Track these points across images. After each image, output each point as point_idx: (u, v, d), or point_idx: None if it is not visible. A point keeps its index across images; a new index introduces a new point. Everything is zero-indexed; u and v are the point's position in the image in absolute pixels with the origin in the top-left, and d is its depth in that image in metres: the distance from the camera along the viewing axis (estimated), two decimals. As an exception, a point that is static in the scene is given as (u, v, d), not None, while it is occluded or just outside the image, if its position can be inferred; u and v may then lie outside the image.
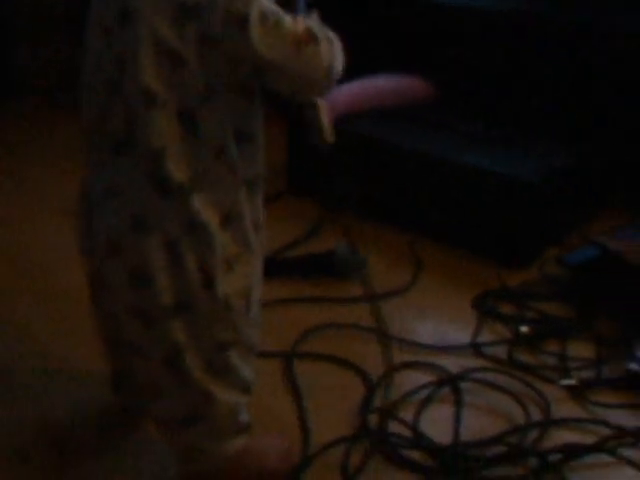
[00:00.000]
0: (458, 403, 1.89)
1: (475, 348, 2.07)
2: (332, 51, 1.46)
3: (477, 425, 1.84)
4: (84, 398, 1.88)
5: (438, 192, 2.52)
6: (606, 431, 1.81)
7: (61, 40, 3.49)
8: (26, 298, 2.24)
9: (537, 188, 2.39)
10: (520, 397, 1.91)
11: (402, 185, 2.58)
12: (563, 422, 1.84)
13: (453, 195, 2.49)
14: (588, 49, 2.67)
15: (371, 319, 2.12)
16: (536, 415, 1.86)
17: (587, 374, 1.99)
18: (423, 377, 1.97)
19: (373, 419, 1.83)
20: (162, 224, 1.45)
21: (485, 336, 2.12)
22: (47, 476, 1.69)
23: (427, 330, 2.15)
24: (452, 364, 2.01)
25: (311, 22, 1.47)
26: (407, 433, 1.80)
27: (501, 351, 2.07)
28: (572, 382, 1.95)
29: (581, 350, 2.07)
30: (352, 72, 2.41)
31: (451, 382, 1.95)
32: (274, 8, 1.42)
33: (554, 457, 1.74)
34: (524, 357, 2.05)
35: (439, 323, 2.20)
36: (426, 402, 1.89)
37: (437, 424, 1.83)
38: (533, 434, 1.80)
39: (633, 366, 1.96)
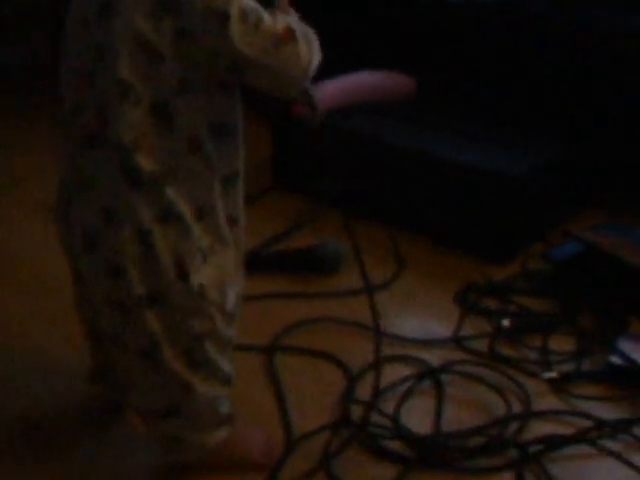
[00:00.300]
0: (439, 395, 1.89)
1: (457, 342, 2.08)
2: (310, 49, 1.47)
3: (458, 417, 1.84)
4: (65, 390, 1.88)
5: (422, 187, 2.52)
6: (586, 423, 1.82)
7: (39, 37, 3.50)
8: (6, 291, 2.24)
9: (521, 183, 2.40)
10: (501, 390, 1.91)
11: (386, 181, 2.59)
12: (543, 414, 1.85)
13: (437, 190, 2.49)
14: (576, 46, 2.68)
15: (354, 314, 2.13)
16: (517, 408, 1.86)
17: (568, 367, 2.00)
18: (405, 370, 1.97)
19: (354, 411, 1.83)
20: (134, 216, 1.45)
21: (467, 330, 2.13)
22: (29, 469, 1.69)
23: (410, 324, 2.16)
24: (434, 357, 2.02)
25: (290, 19, 1.48)
26: (388, 424, 1.80)
27: (483, 345, 2.07)
28: (553, 375, 1.96)
29: (563, 344, 2.08)
30: (336, 69, 2.44)
31: (432, 375, 1.95)
32: (253, 5, 1.42)
33: (534, 448, 1.74)
34: (506, 350, 2.05)
35: (422, 317, 2.21)
36: (407, 394, 1.89)
37: (418, 416, 1.83)
38: (514, 426, 1.80)
39: (615, 359, 1.97)
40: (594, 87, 2.68)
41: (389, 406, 1.85)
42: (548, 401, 1.89)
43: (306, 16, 1.52)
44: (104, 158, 1.46)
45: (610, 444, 1.77)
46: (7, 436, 1.76)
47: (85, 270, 1.54)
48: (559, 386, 1.93)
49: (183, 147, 1.45)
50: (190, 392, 1.56)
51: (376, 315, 1.98)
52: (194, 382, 1.56)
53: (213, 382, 1.59)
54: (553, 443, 1.76)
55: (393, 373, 1.96)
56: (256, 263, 2.25)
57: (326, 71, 1.60)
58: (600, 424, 1.81)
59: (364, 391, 1.90)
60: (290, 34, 1.43)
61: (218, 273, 1.53)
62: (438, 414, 1.84)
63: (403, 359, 2.01)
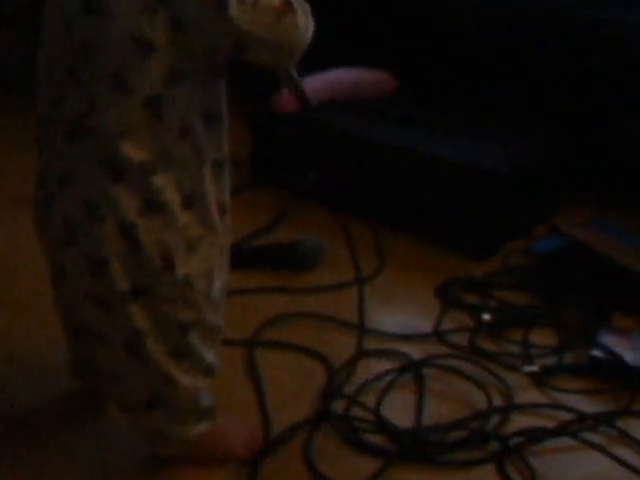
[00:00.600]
0: (420, 389, 1.89)
1: (438, 336, 2.07)
2: (307, 16, 1.47)
3: (439, 411, 1.83)
4: (46, 384, 1.86)
5: (404, 183, 2.51)
6: (567, 416, 1.82)
7: (13, 34, 3.48)
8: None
9: (503, 180, 2.40)
10: (482, 383, 1.91)
11: (367, 176, 2.58)
12: (525, 407, 1.84)
13: (419, 185, 2.49)
14: (556, 39, 2.68)
15: (334, 308, 2.12)
16: (498, 401, 1.86)
17: (550, 361, 2.00)
18: (386, 364, 1.96)
19: (335, 404, 1.82)
20: (116, 209, 1.44)
21: (448, 324, 2.12)
22: (11, 464, 1.67)
23: (391, 318, 2.15)
24: (415, 351, 2.01)
25: None
26: (369, 418, 1.79)
27: (464, 339, 2.06)
28: (534, 369, 1.96)
29: (544, 338, 2.08)
30: (316, 65, 2.43)
31: (413, 368, 1.95)
32: None
33: (516, 441, 1.74)
34: (487, 345, 2.05)
35: (403, 311, 2.20)
36: (388, 388, 1.89)
37: (399, 410, 1.83)
38: (495, 419, 1.80)
39: (596, 353, 1.97)
40: (578, 83, 2.68)
41: (370, 400, 1.84)
42: (529, 394, 1.89)
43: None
44: (86, 151, 1.44)
45: (591, 437, 1.77)
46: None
47: (66, 263, 1.53)
48: (540, 380, 1.93)
49: (172, 135, 1.44)
50: (172, 384, 1.56)
51: (362, 309, 1.97)
52: (176, 374, 1.55)
53: (195, 374, 1.58)
54: (534, 436, 1.75)
55: (374, 367, 1.95)
56: (236, 258, 2.23)
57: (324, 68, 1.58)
58: (582, 417, 1.81)
59: (345, 385, 1.88)
60: (287, 5, 1.42)
61: (206, 264, 1.52)
62: (419, 408, 1.83)
63: (384, 353, 2.00)
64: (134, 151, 1.42)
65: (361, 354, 1.99)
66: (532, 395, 1.89)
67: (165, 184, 1.45)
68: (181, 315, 1.52)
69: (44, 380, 1.87)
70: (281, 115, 2.67)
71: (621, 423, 1.80)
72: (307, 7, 1.48)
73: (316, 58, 1.66)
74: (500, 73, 2.79)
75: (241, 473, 1.65)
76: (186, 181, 1.47)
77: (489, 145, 2.52)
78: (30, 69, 1.57)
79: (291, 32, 1.44)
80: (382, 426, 1.77)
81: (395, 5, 2.96)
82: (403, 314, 2.19)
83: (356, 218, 2.54)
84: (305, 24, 1.46)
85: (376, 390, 1.88)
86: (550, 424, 1.80)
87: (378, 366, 1.96)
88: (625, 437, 1.77)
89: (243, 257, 2.33)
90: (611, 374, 1.93)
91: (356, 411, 1.81)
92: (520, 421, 1.81)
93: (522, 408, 1.84)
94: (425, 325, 2.11)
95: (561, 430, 1.78)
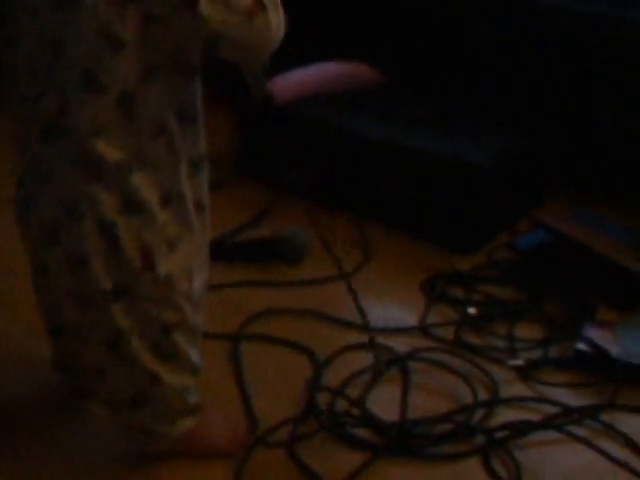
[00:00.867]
0: (406, 383, 1.89)
1: (423, 330, 2.07)
2: (279, 14, 1.46)
3: (425, 404, 1.84)
4: (31, 381, 1.86)
5: (388, 177, 2.51)
6: (552, 409, 1.82)
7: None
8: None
9: (487, 173, 2.40)
10: (467, 377, 1.91)
11: (352, 169, 2.58)
12: (510, 401, 1.85)
13: (403, 179, 2.49)
14: (540, 32, 2.68)
15: (319, 302, 2.13)
16: (483, 395, 1.86)
17: (535, 355, 2.00)
18: (371, 357, 1.96)
19: (321, 398, 1.82)
20: (95, 208, 1.43)
21: (434, 318, 2.13)
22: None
23: (376, 312, 2.15)
24: (401, 345, 2.01)
25: None
26: (355, 412, 1.79)
27: (449, 332, 2.07)
28: (519, 362, 1.96)
29: (529, 331, 2.08)
30: (300, 59, 2.44)
31: (399, 362, 1.95)
32: None
33: (501, 434, 1.74)
34: (472, 338, 2.05)
35: (388, 305, 2.20)
36: (374, 382, 1.89)
37: (385, 403, 1.83)
38: (480, 413, 1.80)
39: (581, 346, 1.97)
40: (559, 76, 2.68)
41: (356, 393, 1.85)
42: (515, 388, 1.90)
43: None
44: (62, 151, 1.44)
45: (576, 430, 1.78)
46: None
47: (47, 263, 1.52)
48: (526, 373, 1.93)
49: (146, 133, 1.43)
50: (158, 383, 1.55)
51: (357, 302, 1.96)
52: (162, 373, 1.55)
53: (181, 372, 1.58)
54: (519, 429, 1.76)
55: (359, 361, 1.95)
56: (220, 252, 2.23)
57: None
58: (566, 410, 1.82)
59: (330, 379, 1.88)
60: (259, 4, 1.41)
61: (186, 263, 1.52)
62: (405, 401, 1.83)
63: (369, 347, 2.00)
64: (109, 150, 1.41)
65: (345, 348, 1.99)
66: (517, 389, 1.90)
67: (142, 183, 1.44)
68: (164, 316, 1.51)
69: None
70: (270, 110, 2.66)
71: (606, 416, 1.81)
72: (277, 2, 1.47)
73: (296, 55, 1.65)
74: (482, 68, 2.78)
75: (227, 468, 1.65)
76: (162, 180, 1.46)
77: (473, 139, 2.52)
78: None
79: (263, 31, 1.43)
80: (368, 419, 1.77)
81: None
82: (388, 307, 2.19)
83: (341, 212, 2.54)
84: (277, 22, 1.44)
85: (362, 383, 1.88)
86: (535, 417, 1.81)
87: (364, 360, 1.95)
88: (610, 430, 1.78)
89: (227, 251, 2.32)
90: (596, 367, 1.94)
91: (342, 405, 1.81)
92: (505, 414, 1.81)
93: (507, 402, 1.85)
94: (411, 319, 2.12)
95: (546, 423, 1.79)
